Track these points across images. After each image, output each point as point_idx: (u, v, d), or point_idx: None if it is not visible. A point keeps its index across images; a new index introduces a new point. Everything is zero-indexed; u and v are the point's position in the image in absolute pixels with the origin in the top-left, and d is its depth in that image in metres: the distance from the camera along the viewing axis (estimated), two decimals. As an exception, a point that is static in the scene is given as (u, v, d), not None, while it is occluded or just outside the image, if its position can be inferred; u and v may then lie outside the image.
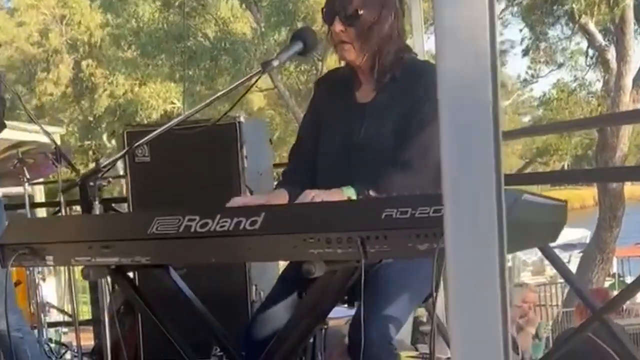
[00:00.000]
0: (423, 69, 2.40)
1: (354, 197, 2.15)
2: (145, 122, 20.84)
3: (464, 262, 1.01)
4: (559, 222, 1.91)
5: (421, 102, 2.28)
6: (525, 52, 20.31)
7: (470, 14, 0.99)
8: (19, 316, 3.08)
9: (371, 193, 2.18)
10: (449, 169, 1.01)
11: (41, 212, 8.74)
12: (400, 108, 2.33)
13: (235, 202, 2.23)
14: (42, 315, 4.57)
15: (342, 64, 2.48)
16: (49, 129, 4.98)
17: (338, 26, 2.32)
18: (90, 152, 23.93)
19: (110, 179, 2.52)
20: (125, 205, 4.32)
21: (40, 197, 10.54)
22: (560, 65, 21.35)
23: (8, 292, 3.06)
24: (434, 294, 1.77)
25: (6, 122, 3.12)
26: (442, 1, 1.00)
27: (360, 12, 2.30)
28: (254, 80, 2.30)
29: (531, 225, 1.72)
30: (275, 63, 2.22)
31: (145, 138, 2.31)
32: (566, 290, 12.04)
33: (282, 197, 2.32)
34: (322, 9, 2.41)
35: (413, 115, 2.29)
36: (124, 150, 2.57)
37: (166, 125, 2.26)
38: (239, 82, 2.34)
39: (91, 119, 23.36)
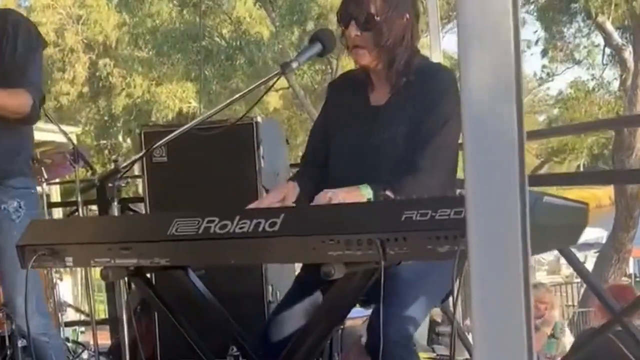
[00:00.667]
0: (435, 72, 2.41)
1: (370, 195, 2.16)
2: (161, 121, 20.93)
3: (487, 264, 1.00)
4: (580, 225, 1.90)
5: (434, 104, 2.28)
6: (542, 51, 20.21)
7: (494, 14, 0.98)
8: (47, 320, 3.09)
9: (387, 193, 2.18)
10: (472, 170, 1.00)
11: (57, 212, 8.79)
12: (414, 110, 2.33)
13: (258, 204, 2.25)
14: (59, 315, 4.59)
15: (356, 65, 2.48)
16: (66, 128, 5.00)
17: (353, 31, 2.34)
18: (106, 152, 24.03)
19: (129, 180, 2.53)
20: (142, 205, 4.34)
21: (56, 196, 10.59)
22: (576, 64, 21.23)
23: (38, 295, 3.08)
24: (454, 296, 1.76)
25: None
26: (464, 3, 0.99)
27: (377, 17, 2.31)
28: (272, 81, 2.30)
29: (552, 227, 1.71)
30: (295, 65, 2.22)
31: (164, 139, 2.32)
32: (582, 290, 11.98)
33: (291, 189, 2.33)
34: (338, 12, 2.42)
35: (426, 117, 2.29)
36: (143, 152, 2.58)
37: (185, 127, 2.27)
38: (258, 83, 2.34)
39: (107, 118, 23.46)
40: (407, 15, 2.36)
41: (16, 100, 2.92)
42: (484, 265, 1.00)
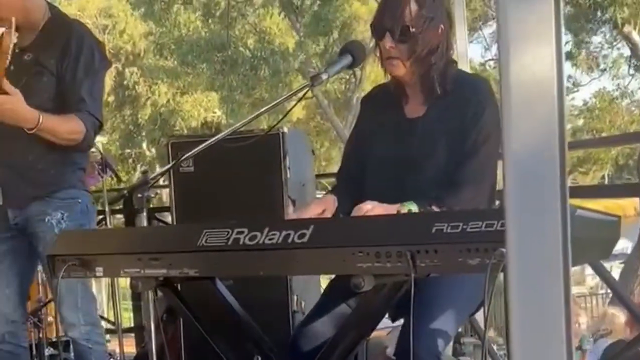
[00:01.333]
0: (473, 83, 2.39)
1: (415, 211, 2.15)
2: (186, 130, 21.03)
3: (527, 277, 0.99)
4: (612, 238, 1.89)
5: (476, 117, 2.27)
6: (568, 61, 20.13)
7: (535, 17, 0.97)
8: (92, 327, 3.10)
9: (434, 208, 2.16)
10: (512, 181, 0.99)
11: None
12: (453, 123, 2.31)
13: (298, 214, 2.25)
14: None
15: (387, 77, 2.48)
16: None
17: (388, 42, 2.33)
18: (130, 160, 24.17)
19: (158, 191, 2.54)
20: (168, 214, 4.36)
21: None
22: (602, 74, 21.11)
23: (87, 308, 3.10)
24: (486, 309, 1.75)
25: None
26: (505, 7, 0.99)
27: (412, 28, 2.30)
28: (302, 93, 2.30)
29: (585, 241, 1.70)
30: (325, 76, 2.22)
31: (193, 151, 2.33)
32: (607, 302, 11.87)
33: (331, 202, 2.32)
34: (371, 24, 2.42)
35: (469, 131, 2.27)
36: (172, 163, 2.60)
37: (213, 139, 2.28)
38: (287, 95, 2.35)
39: (132, 127, 23.63)
40: (442, 26, 2.36)
41: (68, 127, 2.89)
42: (523, 279, 0.99)
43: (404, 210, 2.14)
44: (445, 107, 2.35)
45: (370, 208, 2.09)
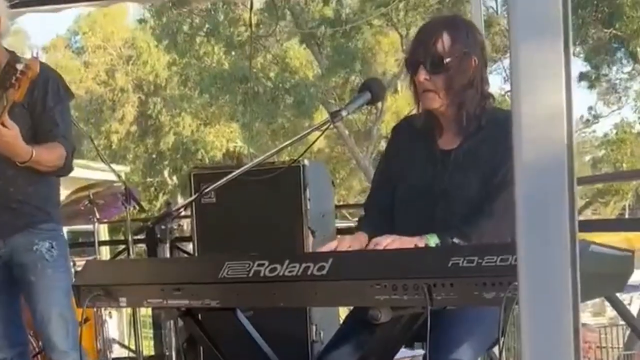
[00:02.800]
0: (509, 118, 2.39)
1: (436, 245, 2.17)
2: (208, 160, 21.19)
3: (537, 312, 1.02)
4: (625, 273, 1.91)
5: (509, 154, 2.27)
6: (589, 93, 20.12)
7: (544, 54, 1.01)
8: (76, 354, 3.14)
9: (455, 241, 2.18)
10: (523, 217, 1.03)
11: (104, 250, 8.93)
12: (487, 157, 2.31)
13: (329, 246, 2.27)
14: (107, 352, 4.67)
15: (410, 108, 2.50)
16: (116, 167, 5.11)
17: (422, 75, 2.33)
18: (152, 189, 24.35)
19: (180, 223, 2.60)
20: (190, 244, 4.41)
21: (103, 234, 10.76)
22: (622, 105, 21.09)
23: (75, 329, 3.14)
24: (501, 342, 1.78)
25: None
26: (517, 38, 1.03)
27: (446, 60, 2.30)
28: (322, 129, 2.35)
29: (598, 275, 1.73)
30: (344, 113, 2.26)
31: (215, 184, 2.38)
32: (627, 333, 11.74)
33: (364, 241, 2.31)
34: (405, 59, 2.43)
35: (500, 166, 2.26)
36: (194, 196, 2.66)
37: (236, 172, 2.34)
38: (308, 131, 2.40)
39: (155, 156, 23.83)
40: (476, 60, 2.36)
41: (52, 155, 3.03)
42: (534, 313, 1.03)
43: (423, 243, 2.16)
44: (479, 141, 2.35)
45: (389, 242, 2.12)
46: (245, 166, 2.38)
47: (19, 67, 2.72)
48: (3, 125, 2.78)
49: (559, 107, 1.01)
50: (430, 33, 2.35)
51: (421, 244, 2.16)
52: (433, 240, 2.19)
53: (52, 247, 3.09)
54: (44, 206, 3.13)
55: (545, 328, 1.02)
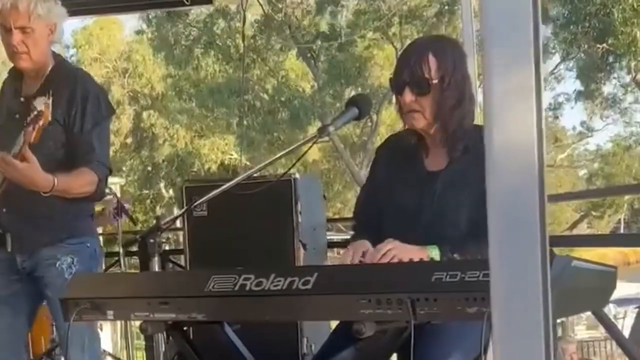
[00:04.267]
0: None
1: (437, 257, 2.18)
2: (203, 172, 21.21)
3: (510, 327, 1.04)
4: (608, 288, 1.92)
5: None
6: (582, 106, 20.27)
7: (517, 79, 1.03)
8: None
9: (455, 256, 2.19)
10: (495, 232, 1.05)
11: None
12: (476, 178, 2.29)
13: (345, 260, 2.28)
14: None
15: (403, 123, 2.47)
16: (110, 179, 5.13)
17: (408, 96, 2.32)
18: (148, 201, 24.35)
19: (169, 236, 2.61)
20: (182, 256, 4.42)
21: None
22: (615, 120, 21.19)
23: (94, 350, 3.14)
24: (483, 357, 1.79)
25: None
26: (490, 71, 1.05)
27: (432, 82, 2.31)
28: (310, 143, 2.36)
29: (580, 291, 1.74)
30: (332, 129, 2.27)
31: (205, 197, 2.39)
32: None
33: (364, 246, 2.30)
34: (390, 79, 2.43)
35: None
36: (185, 209, 2.67)
37: (227, 185, 2.34)
38: (297, 144, 2.41)
39: (150, 168, 23.85)
40: (463, 80, 2.36)
41: (81, 182, 2.97)
42: (506, 328, 1.04)
43: (425, 252, 2.17)
44: (466, 162, 2.34)
45: (391, 247, 2.13)
46: (236, 179, 2.39)
47: (36, 107, 2.73)
48: (23, 159, 2.74)
49: (529, 128, 1.03)
50: (416, 54, 2.34)
51: (422, 254, 2.17)
52: (434, 252, 2.19)
53: (74, 263, 3.04)
54: (70, 222, 3.08)
55: (518, 342, 1.03)
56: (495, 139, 1.05)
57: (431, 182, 2.40)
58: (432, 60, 2.32)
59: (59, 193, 2.91)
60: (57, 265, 3.03)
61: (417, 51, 2.36)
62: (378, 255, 2.17)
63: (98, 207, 4.47)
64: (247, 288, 1.91)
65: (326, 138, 2.39)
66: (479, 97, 2.53)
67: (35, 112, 2.72)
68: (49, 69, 3.09)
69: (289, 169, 2.47)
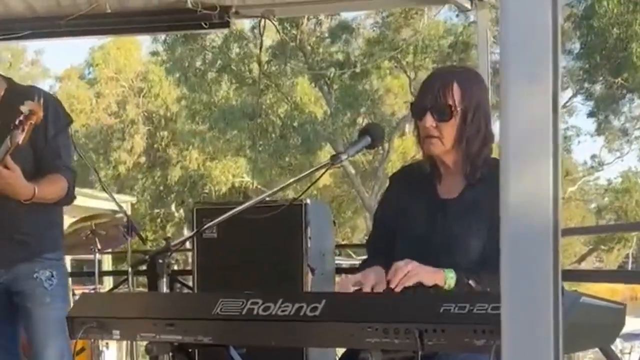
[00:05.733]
0: None
1: (453, 280, 2.18)
2: (214, 194, 21.26)
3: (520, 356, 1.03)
4: (617, 325, 1.91)
5: None
6: (593, 141, 20.29)
7: (534, 111, 1.03)
8: None
9: (470, 282, 2.18)
10: (507, 267, 1.05)
11: (108, 280, 8.94)
12: (488, 208, 2.26)
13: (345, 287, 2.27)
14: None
15: (416, 150, 2.48)
16: (122, 197, 5.15)
17: (429, 121, 2.33)
18: (159, 220, 24.41)
19: (177, 257, 2.61)
20: (190, 277, 4.42)
21: (107, 263, 10.78)
22: (626, 155, 21.17)
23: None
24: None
25: (79, 189, 3.25)
26: (507, 108, 1.05)
27: (454, 109, 2.32)
28: (322, 170, 2.37)
29: (589, 327, 1.73)
30: (344, 157, 2.28)
31: (216, 220, 2.40)
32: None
33: (379, 273, 2.30)
34: (412, 104, 2.44)
35: None
36: (194, 231, 2.67)
37: (238, 208, 2.35)
38: (310, 170, 2.42)
39: (162, 188, 23.94)
40: (484, 110, 2.37)
41: (54, 187, 3.05)
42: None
43: (441, 275, 2.17)
44: (480, 192, 2.34)
45: (411, 268, 2.12)
46: (247, 203, 2.39)
47: (24, 109, 2.75)
48: (5, 167, 2.79)
49: (545, 164, 1.03)
50: (441, 81, 2.36)
51: (439, 276, 2.17)
52: (450, 276, 2.19)
53: (52, 276, 3.10)
54: (47, 236, 3.15)
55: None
56: (512, 176, 1.05)
57: (443, 210, 2.40)
58: (456, 89, 2.33)
59: (37, 200, 2.97)
60: (35, 276, 3.08)
61: (442, 78, 2.38)
62: (400, 275, 2.15)
63: (109, 226, 4.49)
64: (255, 312, 1.91)
65: (331, 167, 2.39)
66: (496, 127, 2.54)
67: (26, 113, 2.75)
68: (3, 89, 3.12)
69: (301, 194, 2.47)
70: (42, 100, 2.82)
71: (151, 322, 2.05)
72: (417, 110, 2.39)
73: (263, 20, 4.85)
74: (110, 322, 2.12)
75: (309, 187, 2.43)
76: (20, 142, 2.76)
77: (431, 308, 1.72)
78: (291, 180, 2.39)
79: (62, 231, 3.33)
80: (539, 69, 1.04)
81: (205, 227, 2.46)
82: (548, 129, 1.03)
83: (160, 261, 2.40)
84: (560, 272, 1.03)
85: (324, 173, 2.38)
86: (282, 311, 1.88)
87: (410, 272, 2.15)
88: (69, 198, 3.16)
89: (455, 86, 2.33)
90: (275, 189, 2.44)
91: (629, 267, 27.12)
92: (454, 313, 1.69)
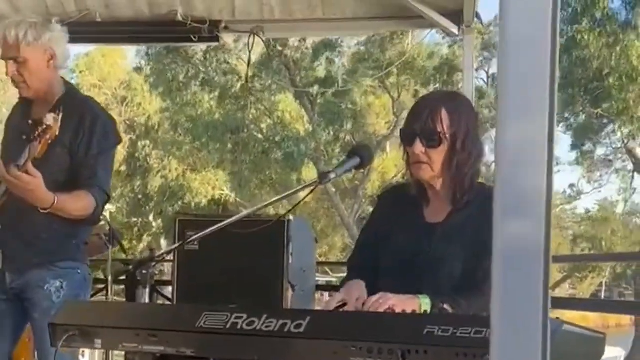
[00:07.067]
0: None
1: (428, 307, 2.19)
2: (193, 205, 21.20)
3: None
4: (597, 353, 1.94)
5: None
6: (572, 170, 20.54)
7: (530, 133, 1.06)
8: None
9: (445, 307, 2.20)
10: (498, 291, 1.07)
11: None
12: (473, 233, 2.33)
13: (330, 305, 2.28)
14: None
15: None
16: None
17: (418, 147, 2.36)
18: (136, 229, 24.26)
19: (162, 268, 2.62)
20: (169, 287, 4.41)
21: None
22: (604, 185, 21.40)
23: None
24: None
25: None
26: (505, 123, 1.08)
27: (445, 134, 2.34)
28: (309, 189, 2.39)
29: (569, 355, 1.75)
30: (333, 176, 2.30)
31: (202, 233, 2.41)
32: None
33: (360, 287, 2.32)
34: (401, 130, 2.46)
35: (488, 245, 2.28)
36: (179, 243, 2.68)
37: (223, 223, 2.37)
38: (298, 188, 2.44)
39: (141, 197, 23.82)
40: (472, 137, 2.40)
41: (78, 204, 2.99)
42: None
43: (416, 302, 2.18)
44: (465, 217, 2.38)
45: (383, 301, 2.14)
46: (233, 218, 2.41)
47: (44, 123, 2.76)
48: (27, 173, 2.76)
49: (539, 188, 1.05)
50: (430, 107, 2.38)
51: (413, 303, 2.18)
52: (425, 302, 2.20)
53: (62, 287, 3.05)
54: (63, 244, 3.09)
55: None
56: (504, 202, 1.07)
57: (429, 233, 2.43)
58: (445, 115, 2.36)
59: (56, 212, 2.92)
60: (46, 287, 3.04)
61: (431, 104, 2.40)
62: (376, 304, 2.17)
63: (91, 235, 4.47)
64: (239, 327, 1.92)
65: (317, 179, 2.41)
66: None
67: (44, 127, 2.75)
68: (60, 94, 3.11)
69: (289, 211, 2.49)
70: (61, 116, 2.80)
71: (134, 332, 2.05)
72: (407, 136, 2.42)
73: (252, 36, 4.88)
74: (93, 331, 2.12)
75: (297, 204, 2.45)
76: (37, 154, 2.75)
77: (415, 329, 1.74)
78: (279, 197, 2.41)
79: (83, 240, 3.24)
80: (535, 100, 1.07)
81: (192, 239, 2.47)
82: (543, 155, 1.06)
83: (144, 272, 2.41)
84: (549, 300, 1.05)
85: (311, 191, 2.40)
86: (267, 327, 1.89)
87: (383, 300, 2.16)
88: (95, 218, 3.12)
89: (444, 112, 2.36)
90: (262, 205, 2.46)
91: (602, 295, 27.32)
92: (438, 335, 1.70)
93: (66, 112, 2.98)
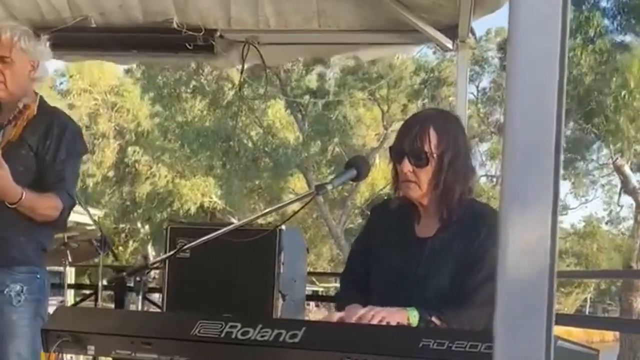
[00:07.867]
0: (485, 212, 2.42)
1: (416, 319, 2.21)
2: (182, 212, 21.14)
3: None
4: (590, 369, 1.95)
5: (485, 248, 2.29)
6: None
7: (535, 137, 1.07)
8: None
9: (434, 319, 2.22)
10: (503, 309, 1.08)
11: (70, 294, 8.79)
12: (461, 249, 2.36)
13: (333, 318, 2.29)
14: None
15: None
16: (90, 211, 5.11)
17: (407, 166, 2.38)
18: (123, 235, 24.18)
19: (156, 275, 2.62)
20: (157, 294, 4.40)
21: (70, 276, 10.63)
22: (591, 200, 21.49)
23: None
24: None
25: None
26: (508, 152, 1.08)
27: (434, 154, 2.36)
28: (306, 200, 2.40)
29: (564, 370, 1.77)
30: (329, 187, 2.32)
31: (195, 242, 2.41)
32: None
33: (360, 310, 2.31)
34: (390, 147, 2.48)
35: (477, 260, 2.29)
36: (172, 251, 2.68)
37: (216, 233, 2.37)
38: (294, 199, 2.45)
39: (129, 203, 23.74)
40: (463, 152, 2.41)
41: (45, 203, 2.99)
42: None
43: (404, 314, 2.20)
44: (454, 233, 2.40)
45: (374, 314, 2.15)
46: (228, 227, 2.41)
47: (19, 105, 2.76)
48: None
49: (545, 212, 1.06)
50: (418, 126, 2.39)
51: (402, 315, 2.20)
52: (414, 315, 2.22)
53: (22, 292, 3.02)
54: (25, 248, 3.07)
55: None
56: (510, 223, 1.08)
57: (419, 248, 2.45)
58: (432, 135, 2.37)
59: (24, 209, 2.93)
60: (5, 292, 3.02)
61: (419, 123, 2.41)
62: (366, 317, 2.18)
63: (82, 240, 4.47)
64: (233, 336, 1.92)
65: (306, 188, 2.42)
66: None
67: (21, 107, 2.74)
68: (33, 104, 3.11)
69: (284, 221, 2.50)
70: (38, 101, 2.79)
71: (128, 339, 2.05)
72: (396, 155, 2.44)
73: (247, 45, 4.88)
74: (86, 337, 2.11)
75: (294, 214, 2.45)
76: (11, 138, 2.75)
77: (410, 342, 1.74)
78: (277, 206, 2.42)
79: (47, 246, 3.22)
80: (543, 109, 1.08)
81: (185, 247, 2.47)
82: (550, 163, 1.07)
83: (138, 279, 2.41)
84: (553, 318, 1.06)
85: (308, 202, 2.40)
86: (261, 336, 1.89)
87: (374, 313, 2.18)
88: (61, 222, 3.10)
89: (432, 132, 2.37)
90: (256, 215, 2.46)
91: (587, 311, 27.40)
92: (433, 348, 1.71)
93: (35, 117, 3.00)
